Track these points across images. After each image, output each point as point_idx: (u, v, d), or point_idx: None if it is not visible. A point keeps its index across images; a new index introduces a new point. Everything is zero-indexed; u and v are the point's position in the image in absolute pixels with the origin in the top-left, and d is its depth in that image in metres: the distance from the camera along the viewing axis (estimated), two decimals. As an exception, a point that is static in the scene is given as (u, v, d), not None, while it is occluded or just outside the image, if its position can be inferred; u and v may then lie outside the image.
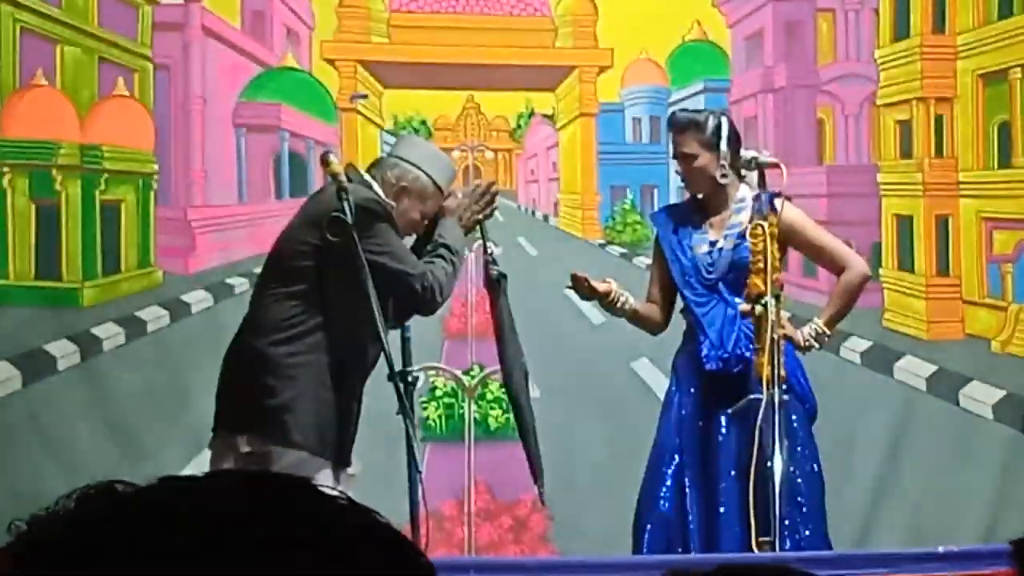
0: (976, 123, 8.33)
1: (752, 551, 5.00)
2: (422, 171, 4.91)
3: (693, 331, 5.31)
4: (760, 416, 5.03)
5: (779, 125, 8.68)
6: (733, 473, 5.16)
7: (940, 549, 4.85)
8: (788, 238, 5.29)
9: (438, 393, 7.79)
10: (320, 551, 0.84)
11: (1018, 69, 8.10)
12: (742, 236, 5.24)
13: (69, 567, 0.82)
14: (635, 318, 5.45)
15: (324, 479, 4.62)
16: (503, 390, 7.81)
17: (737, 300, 5.21)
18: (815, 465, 5.28)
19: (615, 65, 8.72)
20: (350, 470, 4.88)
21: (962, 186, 8.32)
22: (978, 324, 8.09)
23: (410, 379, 4.79)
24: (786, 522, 5.08)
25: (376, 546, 0.87)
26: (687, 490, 5.26)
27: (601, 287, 5.35)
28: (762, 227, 5.11)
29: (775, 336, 5.03)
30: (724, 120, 5.36)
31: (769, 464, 5.00)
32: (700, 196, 5.36)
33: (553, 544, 7.42)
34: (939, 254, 8.28)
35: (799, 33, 8.80)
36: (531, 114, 8.82)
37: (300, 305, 4.77)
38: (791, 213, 5.31)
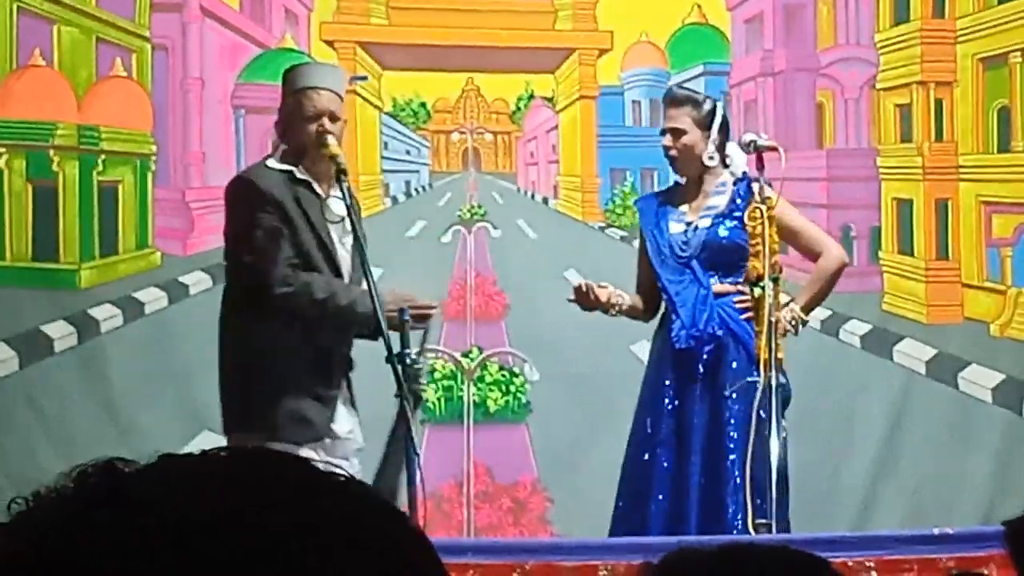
0: (976, 107, 8.31)
1: (748, 531, 5.03)
2: (287, 97, 4.95)
3: (667, 310, 5.35)
4: (757, 400, 5.05)
5: (779, 108, 8.66)
6: (700, 453, 5.19)
7: (936, 531, 4.87)
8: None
9: (437, 375, 7.78)
10: (316, 524, 0.84)
11: (1018, 53, 8.09)
12: (719, 217, 5.29)
13: (68, 544, 0.82)
14: (627, 313, 5.50)
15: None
16: (501, 373, 7.84)
17: (712, 280, 5.26)
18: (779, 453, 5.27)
19: (615, 48, 8.69)
20: (344, 433, 4.89)
21: (962, 170, 8.31)
22: (977, 308, 8.08)
23: (408, 361, 4.79)
24: (735, 510, 5.13)
25: (370, 519, 0.87)
26: (662, 469, 5.29)
27: (602, 294, 5.39)
28: (760, 210, 5.14)
29: (773, 319, 5.05)
30: (719, 106, 5.40)
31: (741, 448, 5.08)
32: (683, 180, 5.40)
33: (552, 526, 7.44)
34: (938, 238, 8.27)
35: (799, 16, 8.77)
36: (531, 97, 8.79)
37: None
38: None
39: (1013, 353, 7.79)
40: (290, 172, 4.87)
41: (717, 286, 5.27)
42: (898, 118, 8.55)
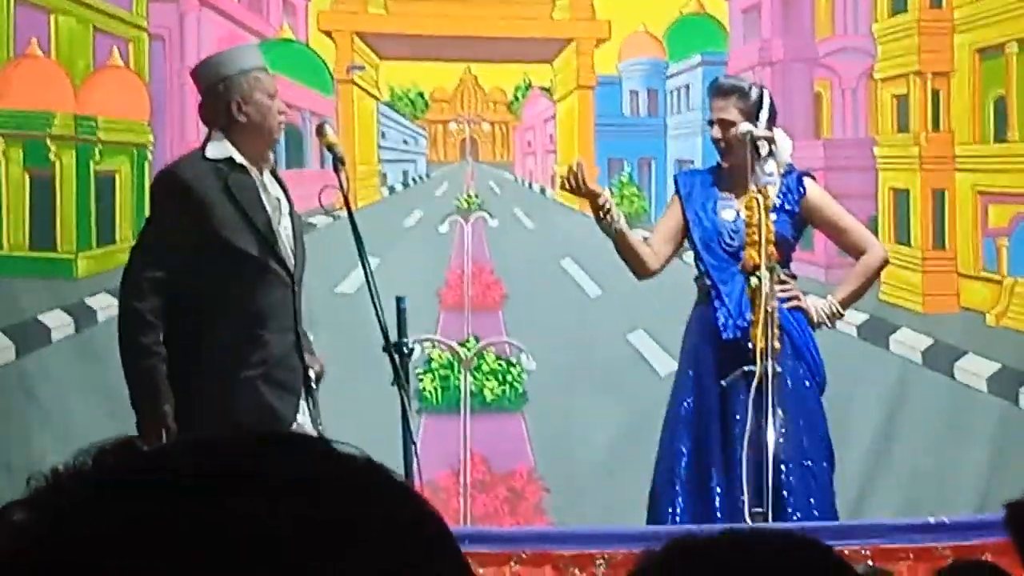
0: (973, 97, 8.32)
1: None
2: (231, 77, 4.85)
3: (708, 298, 5.30)
4: (753, 388, 5.06)
5: (776, 98, 8.64)
6: (746, 440, 5.17)
7: (931, 519, 4.88)
8: (810, 216, 5.33)
9: (434, 365, 7.80)
10: (337, 507, 0.85)
11: (1015, 44, 8.09)
12: (770, 210, 5.28)
13: (87, 520, 0.82)
14: (623, 243, 5.37)
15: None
16: (498, 362, 7.85)
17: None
18: (823, 438, 5.31)
19: (613, 38, 8.69)
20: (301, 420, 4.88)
21: (958, 160, 8.32)
22: (973, 297, 8.10)
23: (405, 350, 4.79)
24: (784, 493, 5.12)
25: (389, 502, 0.87)
26: (705, 458, 5.26)
27: (595, 187, 5.34)
28: (757, 200, 5.14)
29: (769, 308, 5.06)
30: (767, 93, 5.37)
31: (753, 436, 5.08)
32: (728, 166, 5.37)
33: (549, 515, 7.44)
34: (935, 227, 8.28)
35: (797, 6, 8.77)
36: (528, 86, 8.80)
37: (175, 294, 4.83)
38: (815, 192, 5.36)
39: (1009, 342, 7.80)
40: (229, 159, 4.79)
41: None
42: (895, 108, 8.56)
